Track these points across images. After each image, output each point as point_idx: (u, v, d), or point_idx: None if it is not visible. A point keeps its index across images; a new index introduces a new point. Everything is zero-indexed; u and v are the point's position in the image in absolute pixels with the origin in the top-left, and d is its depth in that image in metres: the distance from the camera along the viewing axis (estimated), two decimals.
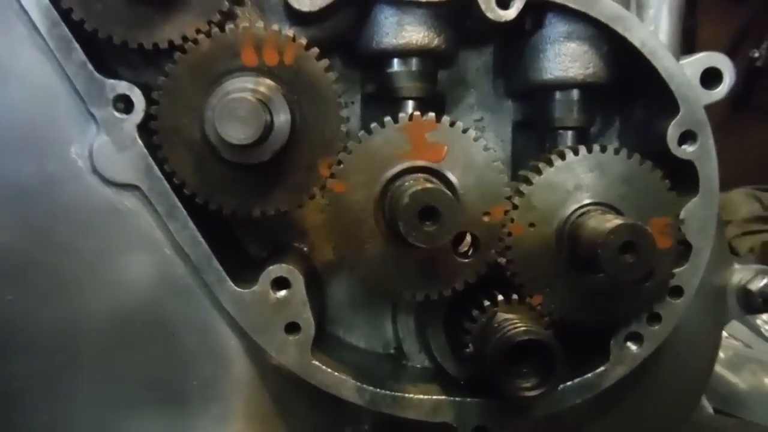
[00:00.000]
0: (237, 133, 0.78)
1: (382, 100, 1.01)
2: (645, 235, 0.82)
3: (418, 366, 1.09)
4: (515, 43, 1.01)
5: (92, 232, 0.92)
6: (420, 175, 0.88)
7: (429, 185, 0.81)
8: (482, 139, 0.90)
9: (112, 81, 0.88)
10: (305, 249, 1.08)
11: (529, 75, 0.99)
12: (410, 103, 0.98)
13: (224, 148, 0.82)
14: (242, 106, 0.78)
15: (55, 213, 0.91)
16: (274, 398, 1.01)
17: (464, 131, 0.89)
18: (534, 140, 1.07)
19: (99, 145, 0.89)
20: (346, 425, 1.09)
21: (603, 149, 0.92)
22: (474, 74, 1.08)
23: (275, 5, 0.95)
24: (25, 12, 0.86)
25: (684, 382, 1.22)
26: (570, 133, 1.01)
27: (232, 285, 0.92)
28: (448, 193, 0.81)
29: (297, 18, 0.93)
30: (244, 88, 0.82)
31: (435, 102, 1.02)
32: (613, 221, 0.82)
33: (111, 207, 0.91)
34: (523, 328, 0.84)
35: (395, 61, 0.97)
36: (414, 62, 0.97)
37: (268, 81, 0.85)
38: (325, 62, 0.87)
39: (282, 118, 0.83)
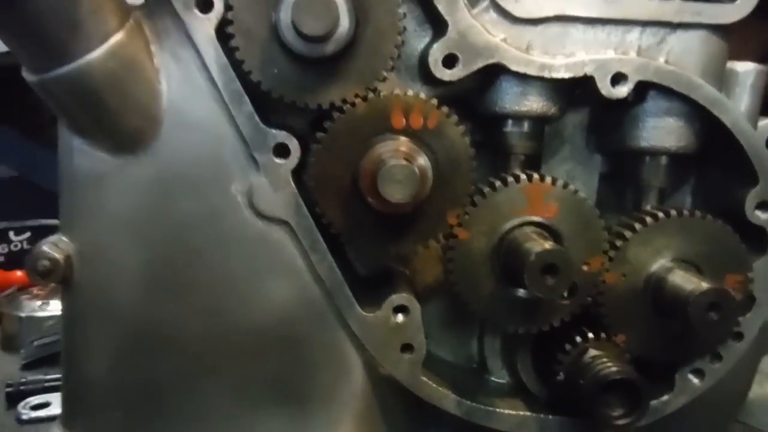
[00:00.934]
0: (397, 194, 0.92)
1: (491, 150, 1.15)
2: (729, 298, 0.97)
3: (500, 381, 1.25)
4: (614, 110, 1.15)
5: (244, 258, 1.06)
6: (534, 228, 1.03)
7: (549, 245, 0.95)
8: (588, 200, 1.04)
9: (274, 131, 1.01)
10: (407, 272, 1.23)
11: (626, 141, 1.13)
12: (518, 157, 1.12)
13: (377, 202, 0.96)
14: (402, 171, 0.92)
15: (214, 240, 1.05)
16: (379, 403, 1.17)
17: (574, 192, 1.04)
18: (616, 191, 1.22)
19: (257, 184, 1.03)
20: (431, 427, 1.26)
21: (691, 214, 1.07)
22: (570, 130, 1.21)
23: (411, 67, 1.08)
24: (206, 68, 0.99)
25: (721, 404, 1.39)
26: (654, 191, 1.15)
27: (360, 310, 1.07)
28: (568, 253, 0.95)
29: (431, 80, 1.06)
30: (398, 152, 0.95)
31: (538, 154, 1.16)
32: (703, 284, 0.97)
33: (262, 238, 1.05)
34: (615, 368, 1.00)
35: (510, 121, 1.11)
36: (527, 124, 1.10)
37: (412, 143, 0.99)
38: (462, 128, 1.01)
39: (427, 176, 0.97)
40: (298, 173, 1.03)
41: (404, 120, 0.99)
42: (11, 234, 2.74)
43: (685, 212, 1.07)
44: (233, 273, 1.07)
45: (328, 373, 1.13)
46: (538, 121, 1.10)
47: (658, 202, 1.15)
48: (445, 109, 1.00)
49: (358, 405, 1.16)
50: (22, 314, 2.03)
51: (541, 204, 1.03)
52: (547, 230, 1.03)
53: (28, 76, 0.94)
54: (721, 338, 1.11)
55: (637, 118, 1.11)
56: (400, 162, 0.92)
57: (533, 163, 1.15)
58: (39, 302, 2.11)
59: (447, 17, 1.00)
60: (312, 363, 1.12)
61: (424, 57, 1.05)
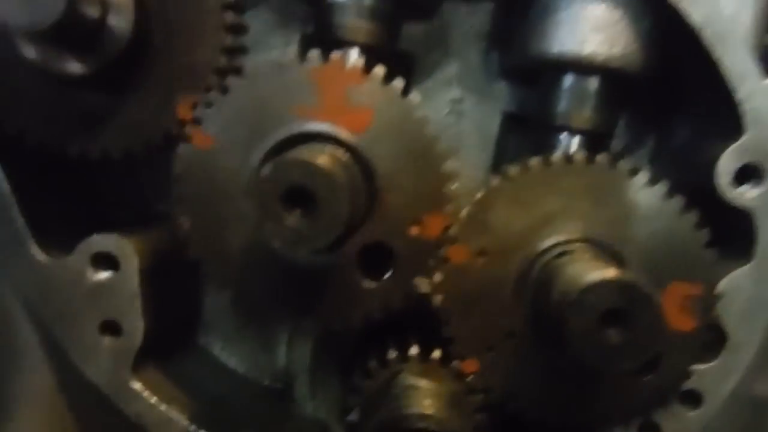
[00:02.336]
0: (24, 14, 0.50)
1: (325, 43, 0.72)
2: (645, 301, 0.49)
3: (307, 414, 0.79)
4: (521, 3, 0.71)
5: None
6: (323, 145, 0.58)
7: (316, 159, 0.51)
8: (424, 113, 0.59)
9: None
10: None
11: (531, 46, 0.68)
12: (355, 51, 0.69)
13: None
14: None
15: None
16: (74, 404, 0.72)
17: (404, 93, 0.59)
18: (528, 144, 0.76)
19: None
20: None
21: (611, 163, 0.61)
22: (460, 38, 0.79)
23: None
24: None
25: None
26: (577, 138, 0.70)
27: (36, 250, 0.64)
28: (330, 170, 0.50)
29: None
30: None
31: (395, 60, 0.72)
32: (600, 272, 0.50)
33: None
34: (418, 412, 0.52)
35: None
36: None
37: None
38: None
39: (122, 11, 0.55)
40: None
41: None
42: None
43: (600, 159, 0.61)
44: None
45: None
46: None
47: None
48: None
49: (36, 402, 0.71)
50: None
51: (342, 106, 0.59)
52: (352, 154, 0.59)
53: None
54: (645, 387, 0.61)
55: (548, 6, 0.67)
56: None
57: (390, 71, 0.71)
58: None
59: None
60: None
61: None
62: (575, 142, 0.70)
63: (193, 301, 0.79)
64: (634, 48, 0.66)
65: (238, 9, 0.62)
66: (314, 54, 0.59)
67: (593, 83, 0.68)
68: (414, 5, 0.73)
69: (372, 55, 0.69)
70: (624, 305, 0.49)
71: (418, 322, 0.65)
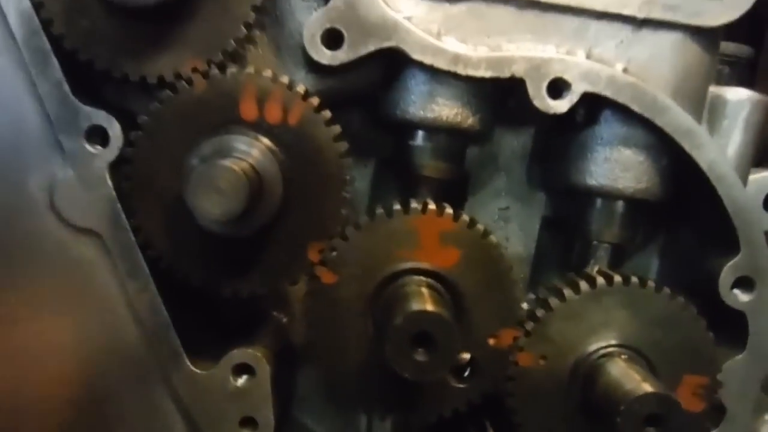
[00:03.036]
0: (213, 207, 0.65)
1: (400, 171, 0.88)
2: (677, 410, 0.67)
3: None
4: (561, 133, 0.87)
5: (40, 276, 0.79)
6: (423, 279, 0.75)
7: (429, 306, 0.67)
8: (502, 248, 0.76)
9: (88, 108, 0.75)
10: (284, 320, 0.95)
11: (571, 175, 0.85)
12: (430, 183, 0.85)
13: (200, 216, 0.68)
14: (224, 175, 0.65)
15: (3, 251, 0.78)
16: None
17: (484, 235, 0.76)
18: (563, 244, 0.94)
19: (63, 179, 0.76)
20: None
21: (642, 283, 0.78)
22: (507, 156, 0.94)
23: (294, 47, 0.82)
24: (3, 14, 0.73)
25: None
26: (605, 247, 0.87)
27: (189, 364, 0.79)
28: (450, 320, 0.67)
29: (316, 66, 0.80)
30: (234, 149, 0.69)
31: (458, 181, 0.89)
32: (641, 385, 0.68)
33: (65, 252, 0.78)
34: None
35: (420, 133, 0.84)
36: (441, 138, 0.83)
37: (265, 142, 0.72)
38: (335, 129, 0.74)
39: (273, 191, 0.70)
40: (121, 170, 0.76)
41: (257, 110, 0.73)
42: None
43: (634, 280, 0.78)
44: (24, 296, 0.80)
45: None
46: (455, 135, 0.83)
47: (612, 263, 0.87)
48: (314, 100, 0.73)
49: None
50: None
51: (436, 247, 0.75)
52: (443, 283, 0.75)
53: None
54: None
55: (585, 146, 0.84)
56: (225, 163, 0.65)
57: (453, 192, 0.87)
58: None
59: None
60: (119, 428, 0.83)
61: None
62: (604, 250, 0.88)
63: (293, 382, 0.95)
64: (655, 182, 0.83)
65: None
66: (415, 206, 0.75)
67: (620, 206, 0.86)
68: (475, 139, 0.89)
69: (444, 185, 0.86)
70: (660, 410, 0.68)
71: (491, 409, 0.82)
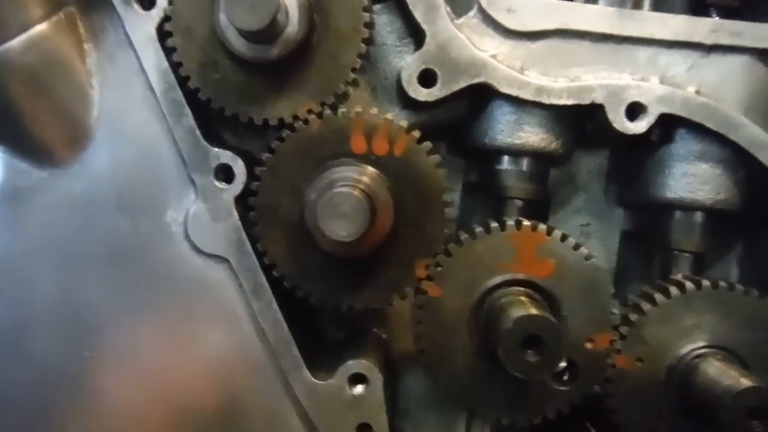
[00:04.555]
0: (340, 229, 0.74)
1: (486, 193, 0.96)
2: None
3: None
4: (637, 152, 0.94)
5: (176, 298, 0.89)
6: (522, 289, 0.82)
7: (535, 311, 0.74)
8: (594, 259, 0.83)
9: (216, 150, 0.86)
10: (384, 336, 1.02)
11: (650, 190, 0.91)
12: (516, 203, 0.92)
13: (322, 239, 0.78)
14: (348, 201, 0.74)
15: (142, 274, 0.89)
16: None
17: (576, 248, 0.82)
18: (643, 255, 0.99)
19: (195, 212, 0.87)
20: None
21: (730, 286, 0.83)
22: (585, 176, 1.01)
23: (388, 87, 0.92)
24: (144, 73, 0.85)
25: None
26: (686, 256, 0.92)
27: (309, 375, 0.87)
28: (556, 322, 0.74)
29: (409, 103, 0.90)
30: (350, 179, 0.78)
31: (542, 201, 0.96)
32: (741, 381, 0.73)
33: (198, 276, 0.88)
34: None
35: (506, 158, 0.92)
36: (526, 162, 0.91)
37: (375, 171, 0.82)
38: (436, 158, 0.83)
39: (386, 214, 0.79)
40: (245, 204, 0.86)
41: (366, 144, 0.82)
42: None
43: (722, 284, 0.83)
44: (160, 317, 0.90)
45: None
46: (540, 159, 0.91)
47: (693, 272, 0.92)
48: (415, 133, 0.82)
49: None
50: None
51: (532, 259, 0.82)
52: (540, 293, 0.82)
53: None
54: None
55: (662, 162, 0.90)
56: (346, 190, 0.74)
57: (537, 212, 0.94)
58: None
59: (425, 26, 0.84)
60: None
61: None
62: (685, 259, 0.93)
63: (394, 392, 1.02)
64: (733, 192, 0.89)
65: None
66: (511, 223, 0.83)
67: (700, 217, 0.91)
68: (557, 161, 0.96)
69: (528, 205, 0.93)
70: (762, 404, 0.72)
71: (591, 411, 0.87)
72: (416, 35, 0.89)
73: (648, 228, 0.98)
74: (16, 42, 0.79)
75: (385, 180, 0.81)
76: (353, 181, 0.78)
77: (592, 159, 1.01)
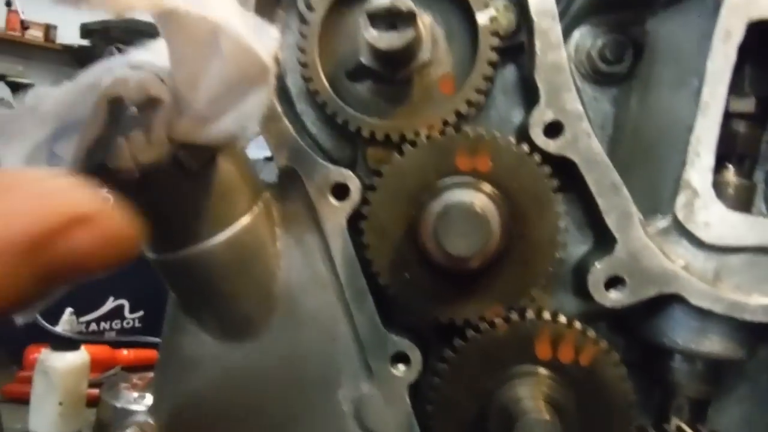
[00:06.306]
0: None
1: (646, 377, 0.94)
2: None
3: None
4: None
5: None
6: None
7: None
8: None
9: (395, 338, 0.88)
10: None
11: None
12: (683, 400, 0.90)
13: None
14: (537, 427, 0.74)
15: None
16: None
17: None
18: None
19: (368, 395, 0.89)
20: None
21: None
22: (755, 366, 0.98)
23: (563, 275, 0.92)
24: (331, 259, 0.88)
25: None
26: None
27: None
28: None
29: (584, 294, 0.89)
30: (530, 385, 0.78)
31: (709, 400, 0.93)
32: None
33: None
34: None
35: (678, 356, 0.90)
36: (702, 364, 0.89)
37: (559, 379, 0.81)
38: (622, 370, 0.82)
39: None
40: (415, 390, 0.88)
41: (551, 351, 0.82)
42: (125, 311, 2.80)
43: None
44: None
45: None
46: (720, 363, 0.89)
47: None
48: (604, 344, 0.82)
49: None
50: (118, 404, 2.01)
51: None
52: None
53: (146, 251, 0.88)
54: None
55: None
56: (541, 415, 0.74)
57: (700, 407, 0.92)
58: (135, 394, 2.09)
59: (617, 233, 0.83)
60: None
61: (580, 268, 0.89)
62: None
63: None
64: None
65: None
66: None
67: None
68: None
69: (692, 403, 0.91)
70: None
71: None
72: (595, 229, 0.89)
73: None
74: (222, 236, 0.82)
75: (565, 391, 0.81)
76: (541, 396, 0.78)
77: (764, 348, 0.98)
